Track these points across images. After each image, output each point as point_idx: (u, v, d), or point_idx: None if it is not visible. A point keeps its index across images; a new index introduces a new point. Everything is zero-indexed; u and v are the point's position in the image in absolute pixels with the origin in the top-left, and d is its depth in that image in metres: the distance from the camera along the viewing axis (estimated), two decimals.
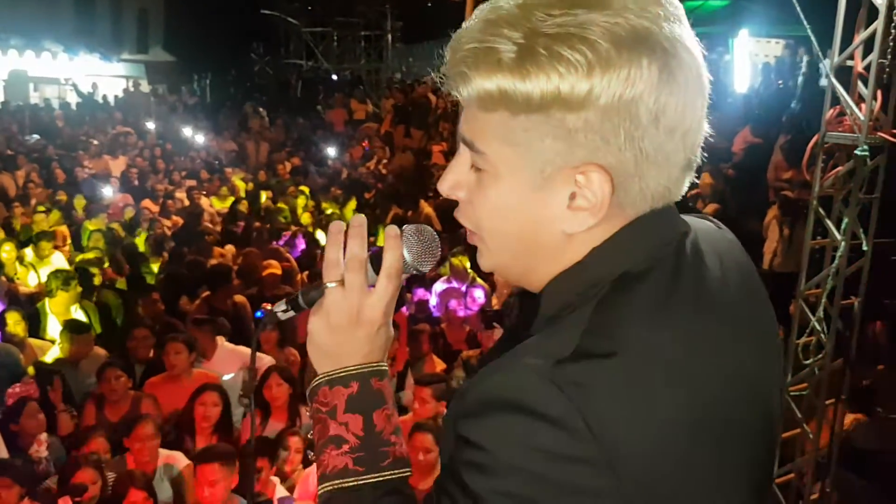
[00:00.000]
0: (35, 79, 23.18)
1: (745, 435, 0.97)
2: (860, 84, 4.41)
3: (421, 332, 6.28)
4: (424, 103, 16.47)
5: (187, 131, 17.21)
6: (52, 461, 4.62)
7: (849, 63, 4.45)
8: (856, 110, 4.38)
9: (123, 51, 26.60)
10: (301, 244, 9.42)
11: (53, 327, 6.38)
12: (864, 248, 4.59)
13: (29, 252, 8.32)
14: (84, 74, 23.43)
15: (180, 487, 4.45)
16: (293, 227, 10.14)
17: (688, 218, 1.07)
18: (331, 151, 15.45)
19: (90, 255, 8.20)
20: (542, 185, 0.95)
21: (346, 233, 1.12)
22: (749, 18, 13.20)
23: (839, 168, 4.55)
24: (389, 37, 24.16)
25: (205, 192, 12.05)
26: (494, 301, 7.51)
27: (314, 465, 1.19)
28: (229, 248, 8.99)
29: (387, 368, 1.14)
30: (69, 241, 9.21)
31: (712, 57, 14.38)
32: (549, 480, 0.85)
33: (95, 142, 15.45)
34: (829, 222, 4.64)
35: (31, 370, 5.50)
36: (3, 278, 7.61)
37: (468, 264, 7.63)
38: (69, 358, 5.69)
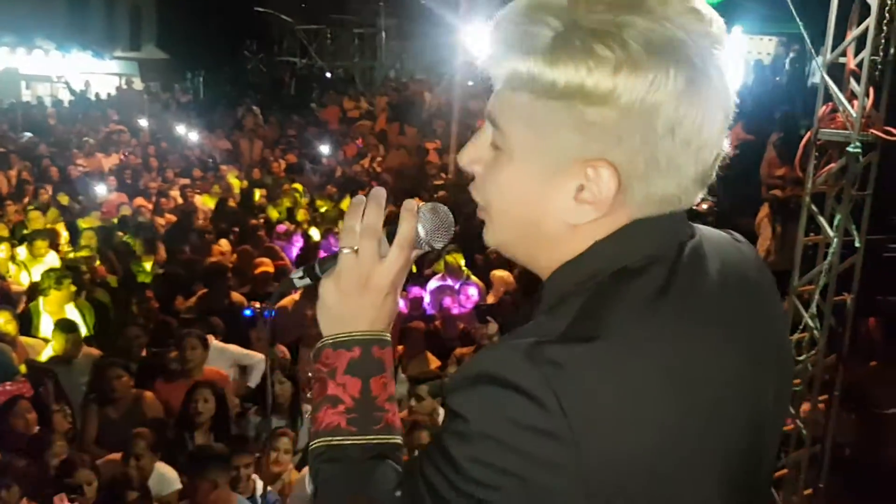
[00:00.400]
0: (27, 76, 23.11)
1: (723, 438, 0.97)
2: (853, 81, 4.42)
3: (415, 329, 6.29)
4: (418, 101, 16.47)
5: (180, 129, 17.16)
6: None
7: (841, 60, 4.47)
8: (848, 107, 4.39)
9: (116, 48, 26.51)
10: (298, 241, 9.41)
11: (47, 326, 6.36)
12: (857, 244, 4.60)
13: (21, 251, 8.29)
14: (76, 72, 23.35)
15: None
16: (288, 224, 10.13)
17: (702, 227, 1.08)
18: (325, 149, 15.42)
19: (83, 254, 8.17)
20: (552, 173, 0.97)
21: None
22: (742, 16, 13.22)
23: (832, 165, 4.56)
24: (383, 34, 24.13)
25: (198, 191, 12.01)
26: (491, 298, 7.52)
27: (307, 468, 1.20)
28: (223, 243, 8.98)
29: (389, 339, 1.17)
30: (67, 239, 9.17)
31: None
32: (516, 450, 0.88)
33: (91, 140, 15.41)
34: (821, 219, 4.65)
35: (22, 368, 5.49)
36: None
37: (462, 262, 7.64)
38: (62, 356, 5.68)
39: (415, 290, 7.60)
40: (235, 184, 12.64)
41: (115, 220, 10.03)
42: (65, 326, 5.84)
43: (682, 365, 0.93)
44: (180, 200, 11.34)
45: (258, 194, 11.87)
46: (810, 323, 4.73)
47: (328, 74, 23.57)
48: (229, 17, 23.30)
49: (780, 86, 12.53)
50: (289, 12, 23.78)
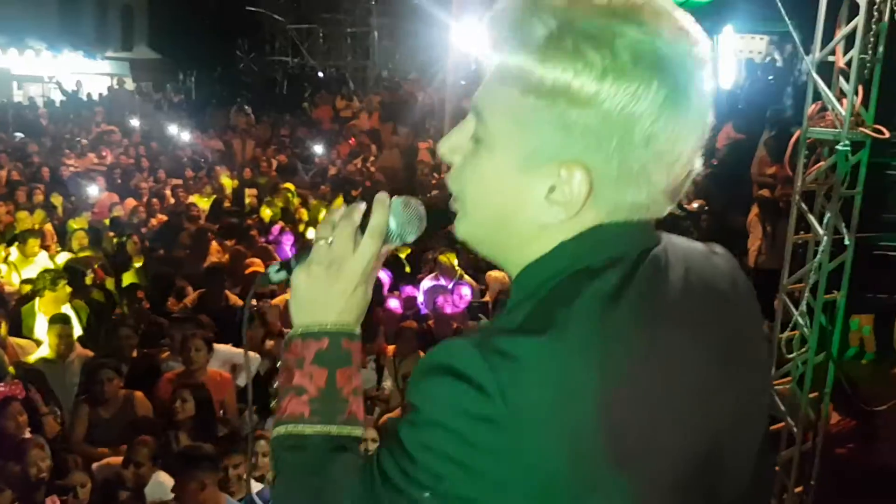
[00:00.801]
0: (18, 77, 23.04)
1: (670, 441, 0.97)
2: (842, 79, 4.44)
3: (408, 328, 6.29)
4: (411, 100, 16.47)
5: (172, 129, 17.12)
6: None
7: (830, 59, 4.48)
8: (837, 106, 4.40)
9: (108, 48, 26.42)
10: (289, 241, 9.40)
11: (43, 327, 6.35)
12: (847, 242, 4.61)
13: (13, 251, 8.26)
14: (68, 72, 23.28)
15: None
16: (281, 224, 10.12)
17: (673, 237, 1.09)
18: (318, 149, 15.41)
19: (86, 254, 8.15)
20: (528, 169, 0.99)
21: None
22: (733, 15, 13.23)
23: (821, 163, 4.57)
24: (376, 34, 24.10)
25: (189, 191, 11.98)
26: (487, 299, 7.53)
27: None
28: (214, 244, 8.97)
29: (358, 333, 1.18)
30: (55, 239, 9.14)
31: None
32: (460, 436, 0.90)
33: (84, 140, 15.37)
34: (811, 217, 4.66)
35: (12, 370, 5.48)
36: None
37: (455, 262, 7.65)
38: (54, 355, 5.67)
39: (408, 290, 7.61)
40: (227, 184, 12.61)
41: (107, 221, 10.01)
42: (58, 319, 5.85)
43: (630, 365, 0.94)
44: (172, 200, 11.31)
45: (249, 194, 11.85)
46: (800, 321, 4.74)
47: (320, 74, 23.54)
48: (221, 16, 23.26)
49: (771, 85, 12.55)
50: (281, 12, 23.75)
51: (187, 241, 8.97)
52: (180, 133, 16.94)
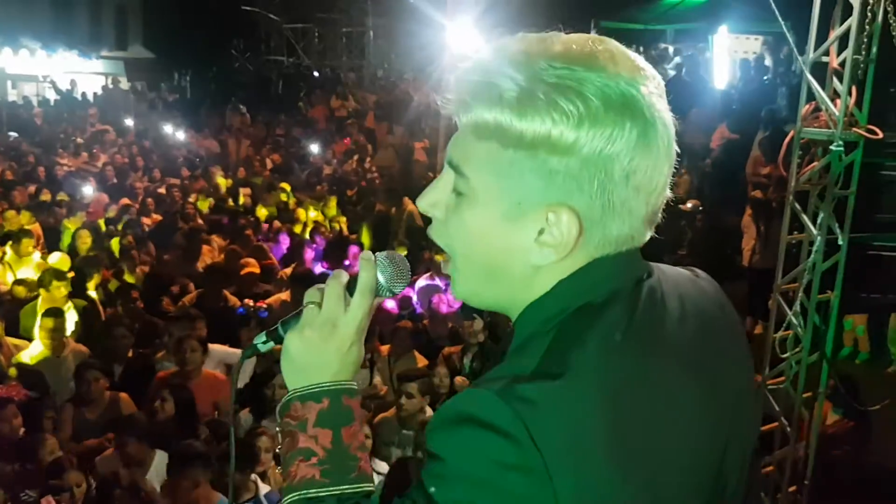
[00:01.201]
0: (13, 76, 22.95)
1: (681, 469, 1.02)
2: (835, 80, 4.45)
3: (404, 328, 6.29)
4: (406, 100, 16.45)
5: (167, 129, 17.09)
6: None
7: (824, 59, 4.49)
8: (831, 106, 4.42)
9: (102, 48, 26.35)
10: (285, 242, 9.39)
11: None
12: (840, 242, 4.63)
13: (7, 251, 8.24)
14: (62, 72, 23.20)
15: None
16: (277, 224, 10.11)
17: (661, 266, 1.15)
18: (313, 148, 15.39)
19: (88, 253, 8.16)
20: (515, 217, 1.03)
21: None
22: (728, 15, 13.29)
23: (814, 163, 4.59)
24: (371, 33, 24.09)
25: (184, 191, 11.94)
26: None
27: None
28: (217, 242, 8.97)
29: (356, 388, 1.20)
30: (42, 240, 9.11)
31: (691, 53, 14.47)
32: (493, 487, 0.92)
33: (79, 140, 15.32)
34: (805, 217, 4.68)
35: (12, 371, 5.48)
36: None
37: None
38: (47, 351, 5.66)
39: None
40: (222, 183, 12.59)
41: (102, 221, 9.98)
42: (50, 314, 5.87)
43: (640, 399, 0.99)
44: (193, 200, 11.25)
45: (244, 194, 11.83)
46: (794, 321, 4.75)
47: (316, 73, 23.50)
48: (216, 16, 23.16)
49: (766, 85, 12.58)
50: (276, 11, 23.71)
51: (182, 242, 8.96)
52: (175, 133, 16.90)
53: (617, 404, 0.95)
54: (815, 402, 4.98)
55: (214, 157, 15.00)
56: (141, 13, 27.55)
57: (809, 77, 4.48)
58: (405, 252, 8.34)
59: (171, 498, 4.15)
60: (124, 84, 23.45)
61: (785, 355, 4.83)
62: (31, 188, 11.25)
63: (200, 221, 10.03)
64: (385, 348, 6.21)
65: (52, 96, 21.76)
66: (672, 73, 13.49)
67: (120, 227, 9.57)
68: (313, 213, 10.66)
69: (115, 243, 8.95)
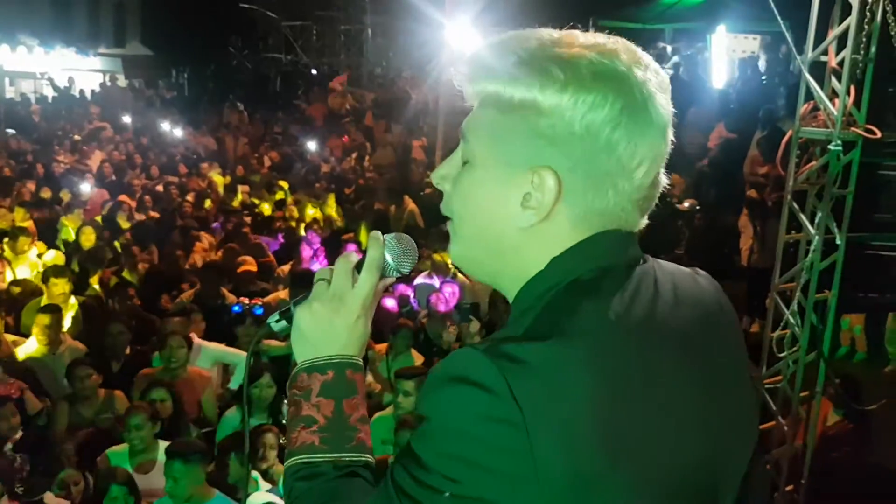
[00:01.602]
0: (10, 73, 22.94)
1: (666, 448, 1.01)
2: (834, 79, 4.45)
3: (404, 326, 6.29)
4: (405, 98, 16.44)
5: (165, 126, 17.07)
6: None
7: (823, 59, 4.49)
8: (829, 106, 4.42)
9: (100, 45, 26.33)
10: (280, 239, 9.39)
11: None
12: (838, 241, 4.63)
13: (5, 248, 8.23)
14: (60, 69, 23.18)
15: None
16: (278, 222, 10.10)
17: (660, 261, 1.16)
18: (311, 146, 15.38)
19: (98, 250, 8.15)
20: (505, 179, 1.08)
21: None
22: (726, 14, 13.28)
23: (812, 163, 4.59)
24: (369, 31, 24.06)
25: (181, 188, 11.93)
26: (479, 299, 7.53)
27: None
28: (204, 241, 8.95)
29: (361, 363, 1.24)
30: (36, 237, 9.09)
31: (690, 53, 14.47)
32: (474, 438, 0.95)
33: (76, 136, 15.31)
34: (803, 217, 4.68)
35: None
36: None
37: (450, 260, 7.62)
38: (43, 347, 5.68)
39: (401, 288, 7.60)
40: (219, 181, 12.58)
41: (99, 218, 9.97)
42: (47, 310, 5.88)
43: (627, 371, 1.00)
44: (191, 199, 11.24)
45: (242, 191, 11.82)
46: (791, 320, 4.75)
47: (314, 71, 23.49)
48: (214, 13, 23.14)
49: (764, 84, 12.58)
50: (274, 8, 23.66)
51: (179, 239, 8.96)
52: (173, 130, 16.89)
53: (602, 371, 0.97)
54: (812, 401, 4.98)
55: (212, 154, 14.99)
56: (139, 10, 27.53)
57: (808, 76, 4.48)
58: None
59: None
60: (122, 81, 23.44)
61: (782, 354, 4.83)
62: (31, 185, 11.23)
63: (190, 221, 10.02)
64: (382, 346, 6.21)
65: (49, 93, 21.74)
66: (670, 72, 13.48)
67: (125, 225, 9.56)
68: (312, 211, 10.67)
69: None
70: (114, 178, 12.56)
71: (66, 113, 18.90)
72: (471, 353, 0.98)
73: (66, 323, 6.31)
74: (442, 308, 7.05)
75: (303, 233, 9.52)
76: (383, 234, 1.27)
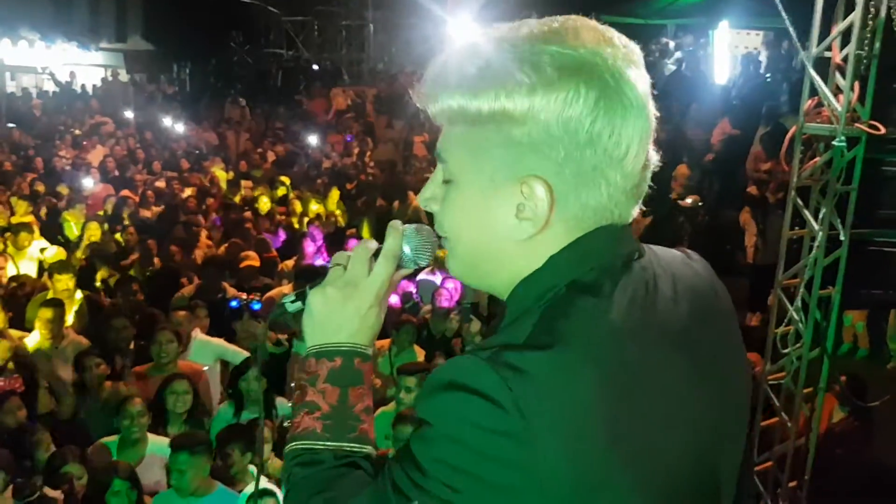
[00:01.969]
0: (11, 68, 22.89)
1: (668, 446, 1.02)
2: (838, 75, 4.44)
3: (408, 322, 6.29)
4: (406, 94, 16.41)
5: (166, 121, 17.06)
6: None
7: (827, 54, 4.48)
8: (833, 102, 4.41)
9: (101, 39, 26.29)
10: (281, 234, 9.38)
11: None
12: (842, 237, 4.62)
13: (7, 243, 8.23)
14: (61, 63, 23.16)
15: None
16: (279, 217, 10.10)
17: (654, 247, 1.15)
18: (312, 142, 15.37)
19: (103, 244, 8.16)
20: (491, 193, 1.06)
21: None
22: (729, 10, 13.25)
23: (816, 159, 4.58)
24: (371, 26, 24.02)
25: (183, 183, 11.92)
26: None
27: None
28: (204, 237, 8.95)
29: (370, 353, 1.22)
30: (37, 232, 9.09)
31: (692, 48, 14.44)
32: (476, 450, 0.93)
33: (77, 131, 15.30)
34: (806, 213, 4.67)
35: (10, 365, 5.46)
36: None
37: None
38: (45, 341, 5.68)
39: (403, 284, 7.60)
40: (221, 176, 12.57)
41: (102, 213, 9.97)
42: (50, 303, 5.87)
43: (628, 374, 0.99)
44: (190, 192, 11.23)
45: (245, 186, 11.81)
46: (795, 316, 4.75)
47: (315, 66, 23.46)
48: (215, 8, 23.09)
49: (767, 80, 12.56)
50: (275, 4, 23.62)
51: (181, 234, 8.95)
52: (174, 125, 16.88)
53: (605, 377, 0.96)
54: (815, 397, 4.98)
55: (213, 149, 14.98)
56: (140, 5, 27.47)
57: (812, 72, 4.46)
58: None
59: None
60: (123, 76, 23.42)
61: (786, 351, 4.83)
62: (30, 177, 11.24)
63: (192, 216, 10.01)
64: (385, 342, 6.21)
65: (50, 88, 21.73)
66: (673, 68, 13.48)
67: (127, 220, 9.56)
68: (315, 207, 10.66)
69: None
70: (116, 173, 12.55)
71: (67, 108, 18.88)
72: (473, 361, 0.96)
73: (70, 318, 6.31)
74: (445, 304, 7.06)
75: (305, 228, 9.53)
76: (383, 234, 1.24)
